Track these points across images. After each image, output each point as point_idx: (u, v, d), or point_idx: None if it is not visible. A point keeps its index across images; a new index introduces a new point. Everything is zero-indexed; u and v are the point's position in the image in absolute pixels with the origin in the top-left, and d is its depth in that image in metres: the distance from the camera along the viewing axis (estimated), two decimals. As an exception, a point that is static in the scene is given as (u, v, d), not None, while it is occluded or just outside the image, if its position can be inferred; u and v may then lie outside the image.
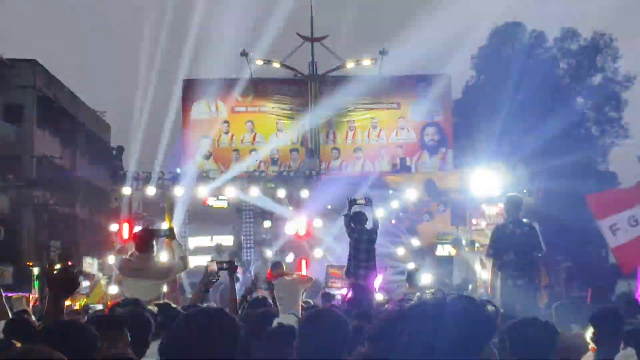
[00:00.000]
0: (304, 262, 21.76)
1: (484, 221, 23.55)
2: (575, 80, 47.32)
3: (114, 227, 21.61)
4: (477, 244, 23.04)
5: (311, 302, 13.75)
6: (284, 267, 14.28)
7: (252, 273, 20.12)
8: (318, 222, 23.25)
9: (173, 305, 8.35)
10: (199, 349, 3.55)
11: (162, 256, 11.37)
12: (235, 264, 8.93)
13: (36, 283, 35.64)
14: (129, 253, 10.60)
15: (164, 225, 11.39)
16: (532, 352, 5.17)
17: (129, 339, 5.49)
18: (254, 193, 23.57)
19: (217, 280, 9.02)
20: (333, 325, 4.86)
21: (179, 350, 3.58)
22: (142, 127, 30.76)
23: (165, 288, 18.40)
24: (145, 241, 10.43)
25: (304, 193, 23.46)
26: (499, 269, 12.21)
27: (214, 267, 9.51)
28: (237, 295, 8.64)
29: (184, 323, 3.68)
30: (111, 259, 19.57)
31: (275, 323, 6.51)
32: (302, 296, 13.50)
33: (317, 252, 22.99)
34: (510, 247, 12.07)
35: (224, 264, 8.90)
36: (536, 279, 12.24)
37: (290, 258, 22.35)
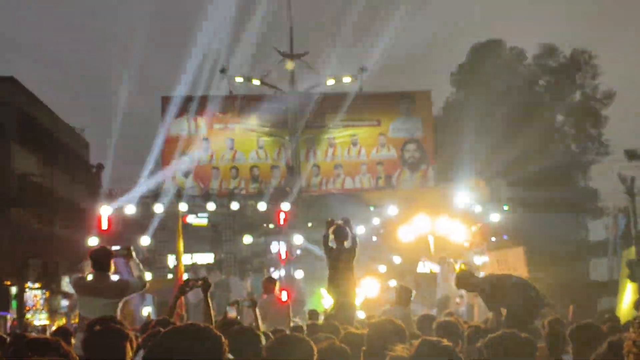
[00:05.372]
0: (284, 279, 21.65)
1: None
2: (554, 97, 47.46)
3: (91, 242, 21.39)
4: (456, 262, 23.00)
5: (299, 321, 13.63)
6: (277, 284, 14.21)
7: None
8: (299, 239, 23.14)
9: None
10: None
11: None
12: (209, 281, 8.81)
13: (14, 303, 35.29)
14: (86, 272, 10.49)
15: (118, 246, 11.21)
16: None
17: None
18: (235, 207, 23.38)
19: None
20: (298, 351, 5.08)
21: None
22: (121, 144, 30.59)
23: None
24: (102, 260, 10.36)
25: (285, 206, 23.29)
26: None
27: (234, 313, 9.47)
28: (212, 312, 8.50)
29: (168, 338, 3.58)
30: (66, 279, 19.45)
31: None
32: (289, 315, 13.41)
33: (298, 274, 22.89)
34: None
35: (198, 281, 8.80)
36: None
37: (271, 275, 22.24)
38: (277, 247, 22.74)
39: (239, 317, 10.32)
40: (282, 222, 22.10)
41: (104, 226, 21.30)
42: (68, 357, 4.79)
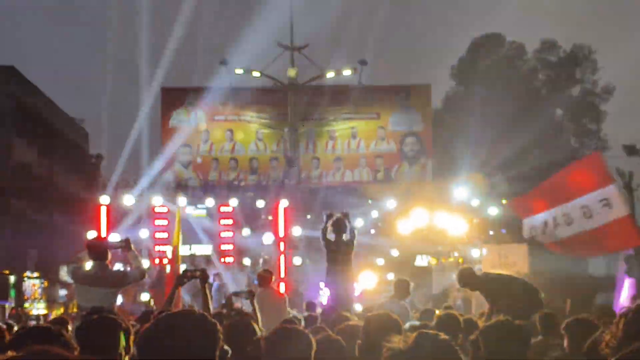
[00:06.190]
0: (282, 270, 21.63)
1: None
2: (554, 92, 47.41)
3: (90, 235, 21.36)
4: (456, 255, 23.05)
5: (298, 316, 13.66)
6: (272, 277, 14.22)
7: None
8: (297, 231, 23.13)
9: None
10: (177, 349, 3.44)
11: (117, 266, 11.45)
12: (207, 272, 8.82)
13: (12, 292, 35.30)
14: (83, 262, 10.61)
15: (116, 237, 11.34)
16: (505, 354, 5.20)
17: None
18: (234, 203, 23.29)
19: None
20: (296, 343, 4.98)
21: (156, 349, 3.47)
22: (121, 135, 30.57)
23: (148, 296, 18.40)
24: (99, 249, 10.49)
25: (283, 202, 23.28)
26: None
27: (238, 304, 9.54)
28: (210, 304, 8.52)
29: (163, 323, 3.57)
30: (63, 269, 19.47)
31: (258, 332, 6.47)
32: (286, 308, 13.41)
33: (297, 260, 22.90)
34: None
35: (197, 272, 8.82)
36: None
37: (268, 266, 22.20)
38: (272, 238, 22.63)
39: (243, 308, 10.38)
40: (281, 219, 22.07)
41: (103, 217, 21.29)
42: (68, 346, 4.82)
